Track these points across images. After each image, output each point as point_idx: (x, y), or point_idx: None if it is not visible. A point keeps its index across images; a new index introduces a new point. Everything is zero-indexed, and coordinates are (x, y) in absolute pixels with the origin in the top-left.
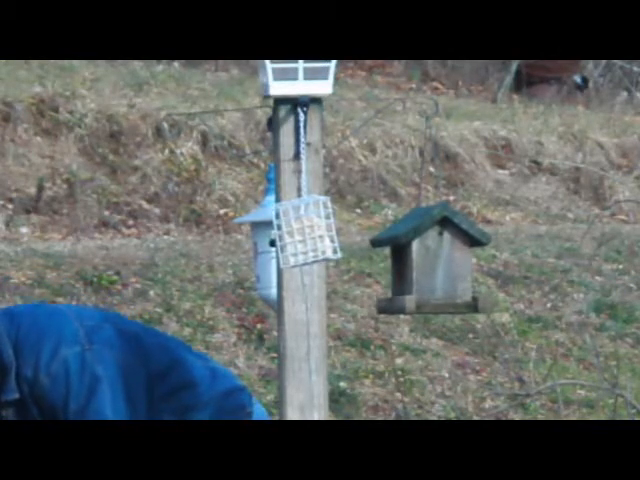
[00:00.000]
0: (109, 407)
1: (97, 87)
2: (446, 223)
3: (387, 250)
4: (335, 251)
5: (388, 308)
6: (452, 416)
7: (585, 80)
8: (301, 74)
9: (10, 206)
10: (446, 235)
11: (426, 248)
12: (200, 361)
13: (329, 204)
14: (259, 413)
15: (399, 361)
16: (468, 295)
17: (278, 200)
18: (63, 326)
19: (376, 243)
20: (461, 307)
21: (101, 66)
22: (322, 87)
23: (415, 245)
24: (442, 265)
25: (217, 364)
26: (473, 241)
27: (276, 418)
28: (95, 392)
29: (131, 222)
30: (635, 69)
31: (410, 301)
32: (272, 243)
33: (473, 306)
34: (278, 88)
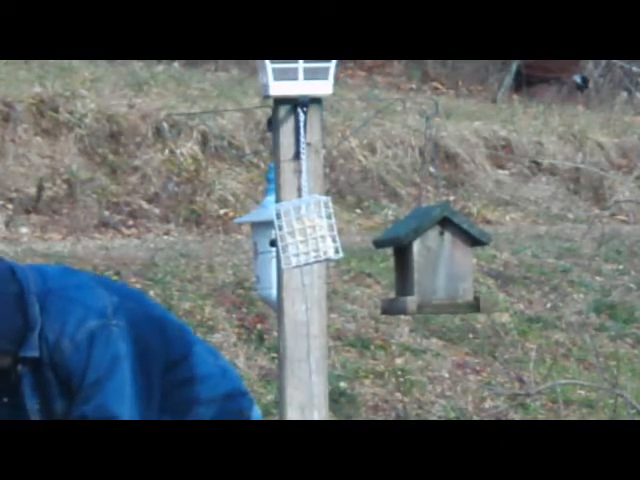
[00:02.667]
0: (127, 385)
1: (97, 87)
2: (447, 223)
3: (387, 250)
4: (337, 251)
5: (391, 309)
6: (452, 416)
7: (585, 80)
8: (301, 74)
9: (10, 206)
10: (447, 235)
11: (427, 248)
12: (212, 358)
13: (330, 204)
14: (256, 418)
15: (399, 361)
16: (470, 295)
17: (278, 200)
18: (92, 298)
19: (378, 244)
20: (463, 307)
21: (101, 66)
22: (322, 87)
23: (416, 246)
24: (443, 265)
25: (227, 363)
26: (474, 241)
27: (276, 418)
28: (115, 368)
29: (131, 222)
30: (635, 69)
31: (412, 302)
32: (273, 243)
33: (475, 306)
34: (278, 88)
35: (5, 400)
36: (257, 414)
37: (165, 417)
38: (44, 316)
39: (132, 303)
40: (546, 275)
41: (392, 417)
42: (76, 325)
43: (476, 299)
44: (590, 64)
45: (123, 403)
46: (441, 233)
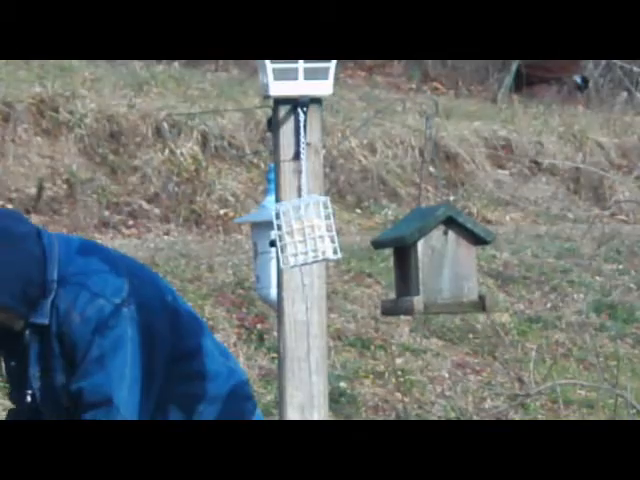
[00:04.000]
0: (128, 368)
1: (97, 87)
2: (450, 223)
3: (387, 250)
4: (335, 251)
5: (394, 310)
6: (452, 416)
7: (585, 80)
8: (301, 74)
9: (10, 206)
10: (451, 234)
11: (431, 248)
12: (222, 358)
13: (329, 204)
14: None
15: (399, 361)
16: (474, 294)
17: (278, 200)
18: (110, 277)
19: (378, 245)
20: (467, 306)
21: (101, 66)
22: (322, 87)
23: (420, 245)
24: (448, 265)
25: (237, 364)
26: (477, 240)
27: (276, 418)
28: (119, 349)
29: (131, 222)
30: (635, 69)
31: (418, 302)
32: (272, 243)
33: (480, 305)
34: (278, 88)
35: (13, 364)
36: (258, 411)
37: (169, 409)
38: (60, 285)
39: (149, 289)
40: (546, 275)
41: (392, 417)
42: (89, 300)
43: (481, 298)
44: (590, 64)
45: (121, 387)
46: (445, 232)
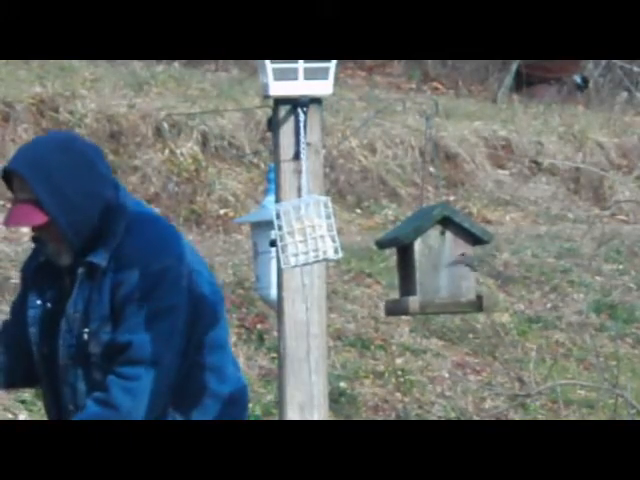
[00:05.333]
0: (176, 335)
1: (97, 87)
2: (447, 222)
3: (387, 250)
4: (336, 251)
5: (394, 309)
6: (452, 416)
7: (585, 80)
8: (301, 74)
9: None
10: (448, 234)
11: (429, 248)
12: (234, 366)
13: (329, 204)
14: None
15: (399, 361)
16: (472, 294)
17: (278, 200)
18: (178, 242)
19: (380, 245)
20: (465, 306)
21: (101, 66)
22: (322, 87)
23: (417, 245)
24: (445, 264)
25: (241, 375)
26: (475, 239)
27: (276, 418)
28: (172, 313)
29: None
30: (635, 69)
31: (414, 302)
32: (272, 243)
33: (477, 305)
34: (278, 88)
35: (49, 306)
36: None
37: (181, 393)
38: (127, 235)
39: (204, 271)
40: (546, 275)
41: (392, 417)
42: (155, 256)
43: (479, 297)
44: (590, 64)
45: (167, 350)
46: (442, 232)
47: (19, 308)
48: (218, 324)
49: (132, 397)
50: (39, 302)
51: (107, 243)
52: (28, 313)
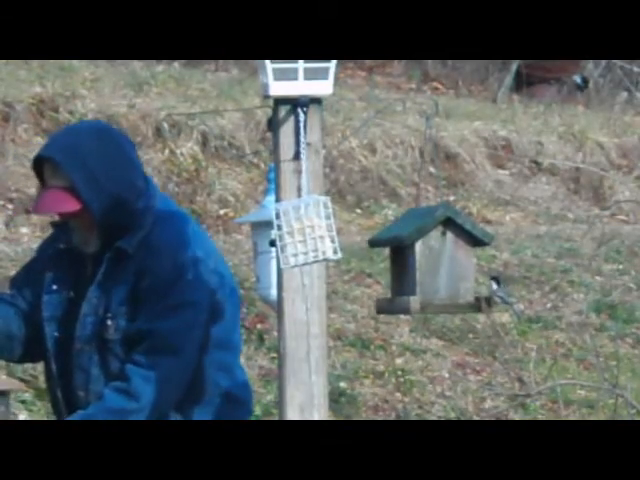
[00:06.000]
0: (197, 328)
1: (97, 87)
2: (449, 223)
3: (387, 250)
4: (335, 251)
5: (389, 308)
6: (452, 416)
7: (585, 80)
8: (301, 74)
9: (10, 206)
10: (449, 235)
11: (429, 248)
12: (240, 371)
13: (329, 204)
14: None
15: (399, 361)
16: (471, 295)
17: (278, 200)
18: (207, 241)
19: (375, 244)
20: (464, 307)
21: (101, 66)
22: (322, 87)
23: (418, 246)
24: (445, 265)
25: (248, 380)
26: (476, 241)
27: (276, 418)
28: (196, 307)
29: None
30: (635, 69)
31: (414, 302)
32: (272, 243)
33: (476, 306)
34: (278, 88)
35: (65, 291)
36: None
37: (195, 390)
38: (156, 227)
39: (226, 271)
40: (546, 275)
41: (392, 417)
42: (183, 248)
43: (477, 299)
44: (590, 64)
45: (188, 340)
46: (443, 233)
47: (26, 288)
48: (234, 326)
49: (153, 387)
50: (55, 287)
51: (136, 231)
52: (43, 299)
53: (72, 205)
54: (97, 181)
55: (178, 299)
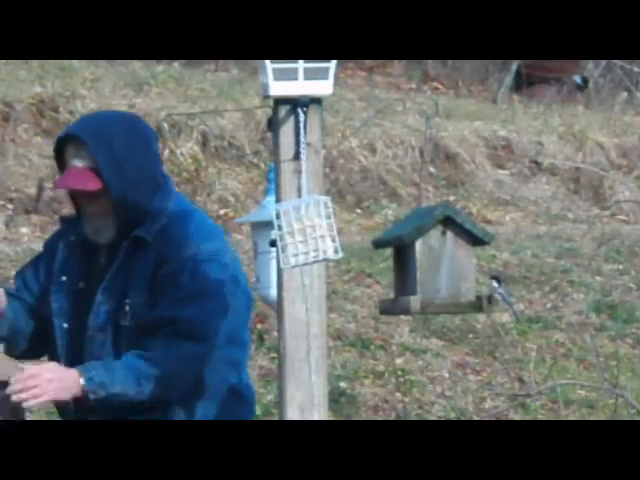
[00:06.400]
0: (219, 316)
1: (97, 87)
2: (449, 222)
3: (387, 250)
4: (336, 251)
5: (391, 309)
6: (452, 416)
7: (585, 80)
8: (301, 74)
9: (10, 206)
10: (449, 234)
11: (429, 248)
12: (245, 374)
13: (329, 204)
14: None
15: (399, 361)
16: (472, 294)
17: (278, 200)
18: (224, 238)
19: (378, 244)
20: (465, 306)
21: (101, 66)
22: (322, 87)
23: (418, 245)
24: (446, 265)
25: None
26: (476, 240)
27: (276, 418)
28: (217, 298)
29: None
30: (635, 69)
31: (415, 301)
32: (272, 243)
33: (477, 305)
34: (278, 88)
35: (81, 285)
36: None
37: (207, 382)
38: (175, 219)
39: (239, 272)
40: (546, 275)
41: (392, 417)
42: (205, 239)
43: (478, 298)
44: (590, 64)
45: (209, 329)
46: (443, 232)
47: (33, 281)
48: (245, 323)
49: (172, 361)
50: (64, 278)
51: (154, 220)
52: (51, 290)
53: (94, 184)
54: (120, 166)
55: (199, 288)
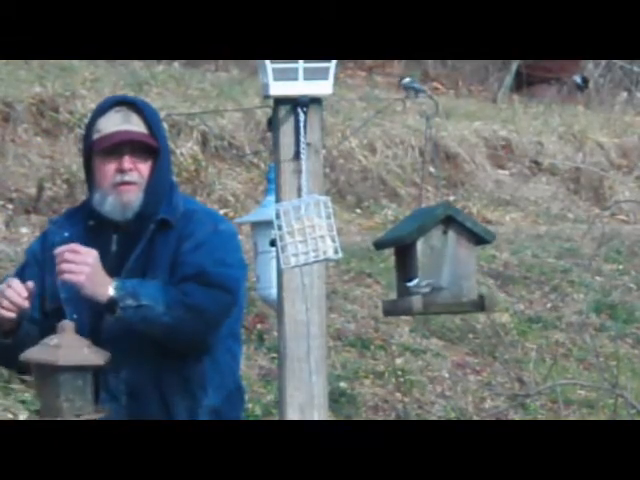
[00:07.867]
0: (238, 283)
1: (97, 87)
2: (450, 222)
3: (387, 250)
4: (336, 251)
5: (394, 310)
6: (452, 416)
7: (585, 80)
8: (301, 74)
9: (10, 206)
10: (451, 234)
11: (431, 247)
12: (239, 373)
13: (329, 204)
14: None
15: (399, 361)
16: (474, 293)
17: (278, 200)
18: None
19: (379, 245)
20: (467, 306)
21: (101, 66)
22: (322, 87)
23: (420, 245)
24: (447, 264)
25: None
26: (477, 239)
27: (276, 418)
28: (241, 270)
29: None
30: (635, 69)
31: (417, 301)
32: (272, 243)
33: (479, 304)
34: (278, 88)
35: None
36: None
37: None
38: (192, 205)
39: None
40: (546, 275)
41: (392, 417)
42: (223, 220)
43: (480, 297)
44: (590, 64)
45: (236, 286)
46: (444, 232)
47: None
48: (240, 320)
49: (207, 300)
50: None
51: (174, 206)
52: (58, 283)
53: (153, 141)
54: (164, 136)
55: (223, 256)
